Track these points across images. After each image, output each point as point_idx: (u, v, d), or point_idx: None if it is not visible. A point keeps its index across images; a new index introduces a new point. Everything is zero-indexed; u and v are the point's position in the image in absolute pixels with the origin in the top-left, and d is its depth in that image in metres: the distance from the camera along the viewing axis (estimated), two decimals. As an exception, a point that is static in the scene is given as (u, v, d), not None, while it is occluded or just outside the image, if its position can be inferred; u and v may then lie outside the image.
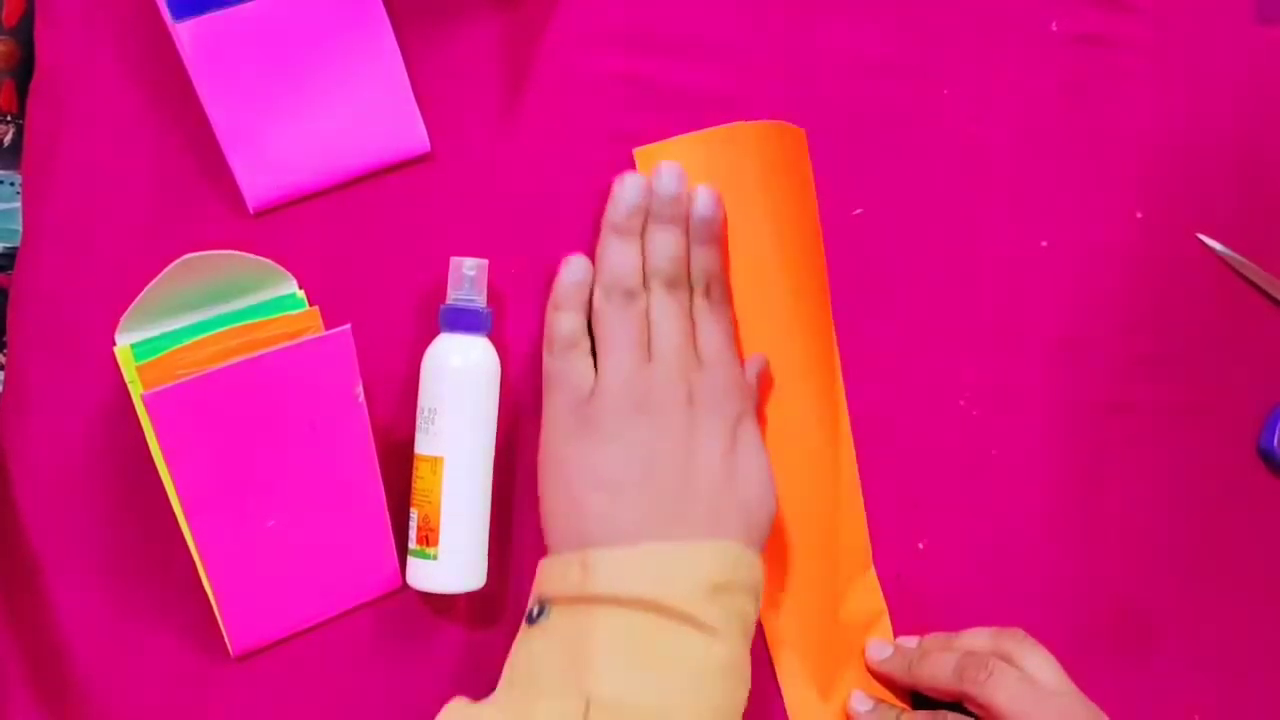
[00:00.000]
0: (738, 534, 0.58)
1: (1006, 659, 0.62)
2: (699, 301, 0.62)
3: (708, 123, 0.65)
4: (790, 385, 0.66)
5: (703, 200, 0.62)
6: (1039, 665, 0.62)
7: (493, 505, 0.61)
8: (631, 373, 0.59)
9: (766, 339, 0.65)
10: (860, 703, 0.64)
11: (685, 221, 0.62)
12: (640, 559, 0.56)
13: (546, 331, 0.62)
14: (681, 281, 0.61)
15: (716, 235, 0.63)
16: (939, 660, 0.63)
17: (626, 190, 0.62)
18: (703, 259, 0.62)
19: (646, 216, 0.62)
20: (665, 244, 0.61)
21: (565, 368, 0.60)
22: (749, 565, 0.57)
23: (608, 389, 0.59)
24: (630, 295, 0.60)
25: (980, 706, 0.61)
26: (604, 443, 0.58)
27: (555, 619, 0.56)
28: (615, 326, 0.60)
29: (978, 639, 0.64)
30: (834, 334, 0.67)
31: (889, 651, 0.65)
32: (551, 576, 0.57)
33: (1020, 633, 0.64)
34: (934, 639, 0.65)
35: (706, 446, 0.59)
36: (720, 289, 0.63)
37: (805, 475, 0.66)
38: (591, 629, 0.54)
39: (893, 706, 0.64)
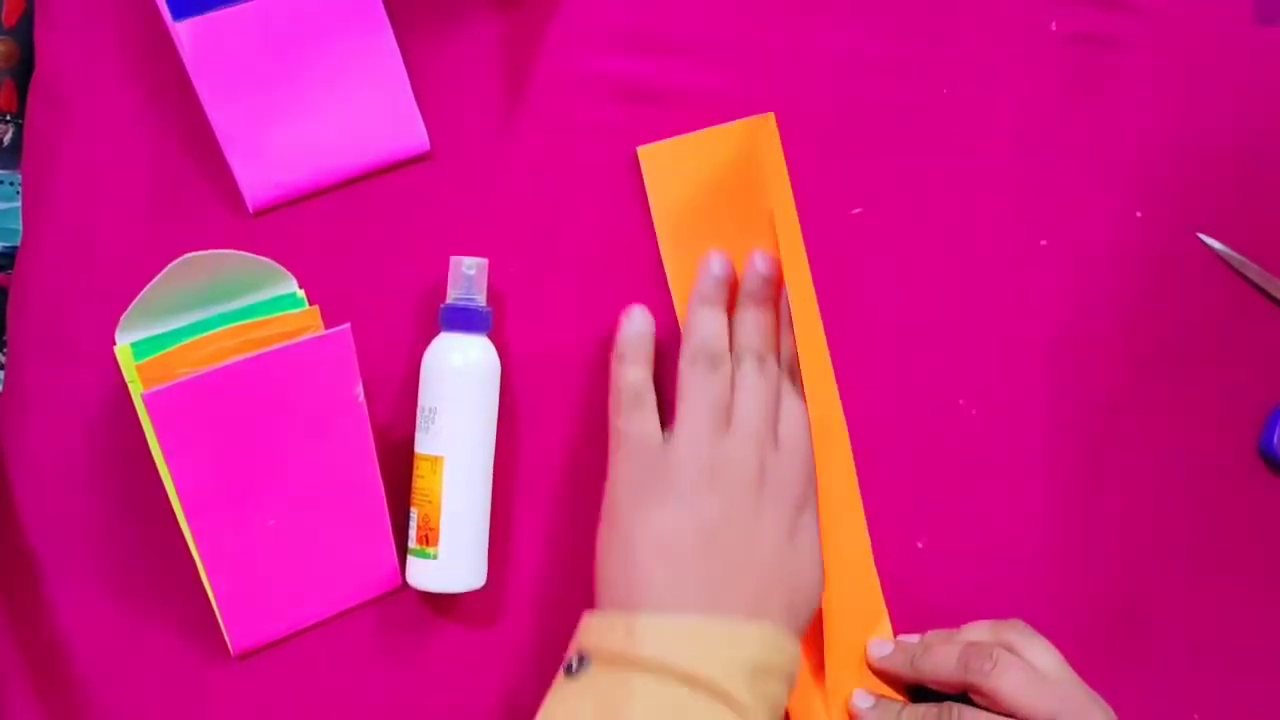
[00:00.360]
0: (782, 618, 0.58)
1: (1009, 649, 0.62)
2: (785, 383, 0.63)
3: (707, 123, 0.65)
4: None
5: (759, 262, 0.64)
6: (1041, 654, 0.62)
7: (493, 505, 0.61)
8: (708, 442, 0.59)
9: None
10: (862, 700, 0.64)
11: (776, 303, 0.64)
12: (686, 631, 0.56)
13: (613, 384, 0.62)
14: (771, 359, 0.62)
15: (776, 296, 0.64)
16: (942, 653, 0.63)
17: (713, 265, 0.63)
18: (789, 345, 0.64)
19: (732, 292, 0.64)
20: (759, 321, 0.63)
21: (633, 428, 0.60)
22: (789, 652, 0.58)
23: (681, 454, 0.59)
24: (715, 362, 0.61)
25: (984, 695, 0.61)
26: (671, 507, 0.58)
27: (595, 676, 0.56)
28: (697, 392, 0.61)
29: (978, 631, 0.64)
30: (823, 330, 0.67)
31: (890, 649, 0.65)
32: (596, 631, 0.57)
33: (1020, 623, 0.64)
34: (935, 635, 0.65)
35: (769, 529, 0.59)
36: (792, 363, 0.64)
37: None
38: (629, 694, 0.54)
39: (894, 701, 0.64)
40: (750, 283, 0.64)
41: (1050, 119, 0.70)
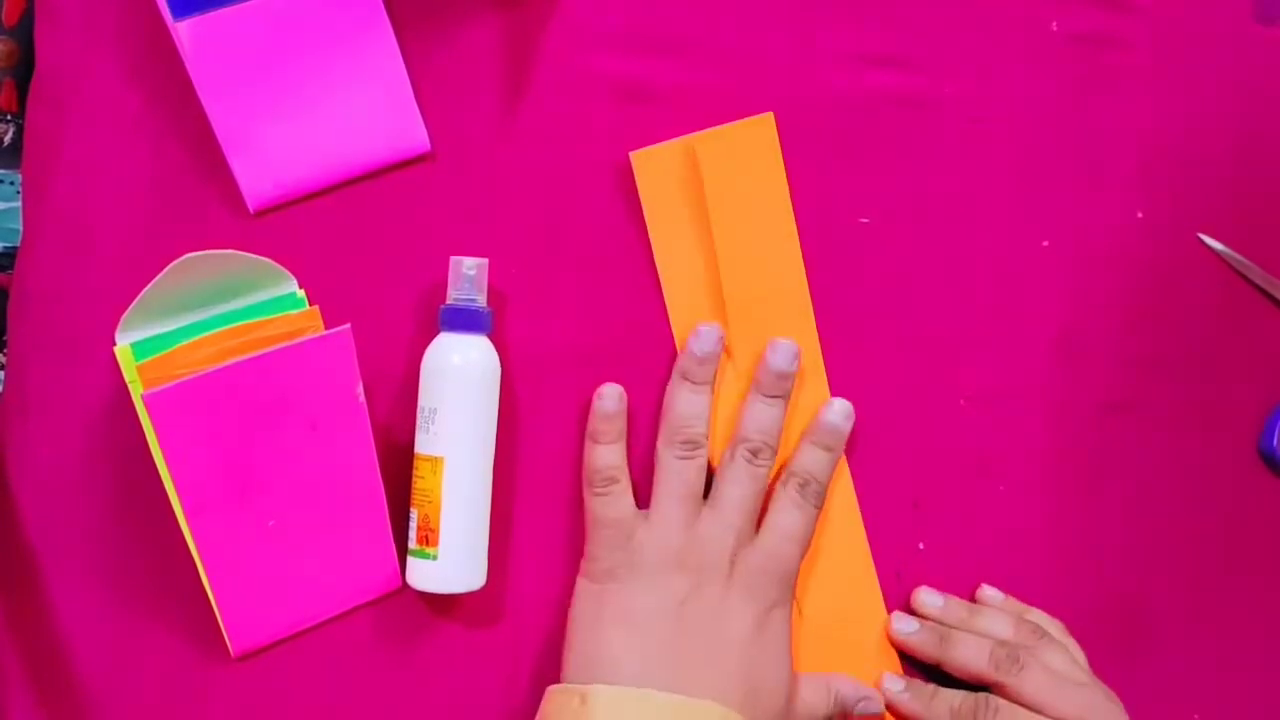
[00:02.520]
0: (738, 705, 0.58)
1: (1033, 647, 0.63)
2: (791, 491, 0.63)
3: (709, 123, 0.65)
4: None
5: (838, 410, 0.64)
6: (1063, 657, 0.63)
7: (493, 505, 0.61)
8: (679, 526, 0.60)
9: (768, 337, 0.65)
10: (892, 683, 0.64)
11: (788, 400, 0.64)
12: (637, 702, 0.56)
13: (585, 464, 0.63)
14: (766, 455, 0.62)
15: (838, 446, 0.64)
16: (973, 645, 0.63)
17: (702, 340, 0.63)
18: (816, 460, 0.63)
19: (718, 370, 0.64)
20: (764, 417, 0.63)
21: (607, 511, 0.61)
22: None
23: (652, 538, 0.60)
24: (693, 445, 0.61)
25: (1010, 696, 0.62)
26: (638, 585, 0.59)
27: None
28: (671, 476, 0.61)
29: (1001, 623, 0.64)
30: (816, 331, 0.67)
31: (916, 626, 0.65)
32: (554, 703, 0.58)
33: (1043, 621, 0.65)
34: (955, 606, 0.66)
35: (735, 617, 0.60)
36: (818, 493, 0.63)
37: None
38: None
39: (925, 685, 0.64)
40: (763, 375, 0.64)
41: (1051, 119, 0.70)
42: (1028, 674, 0.61)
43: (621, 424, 0.63)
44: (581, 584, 0.61)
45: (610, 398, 0.63)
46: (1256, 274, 0.71)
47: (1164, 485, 0.70)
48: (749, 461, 0.62)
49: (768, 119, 0.66)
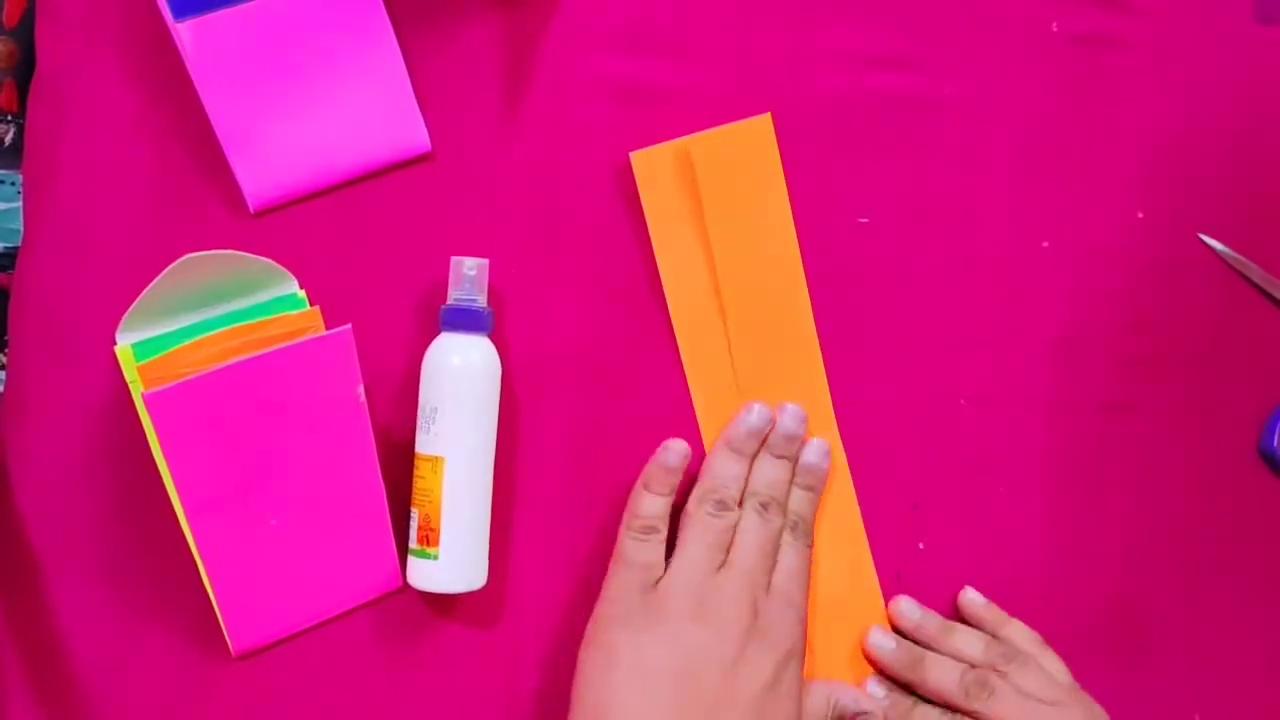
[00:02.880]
0: None
1: (1005, 670, 0.63)
2: (786, 535, 0.63)
3: (709, 123, 0.65)
4: (780, 384, 0.66)
5: (815, 449, 0.65)
6: (1036, 677, 0.64)
7: (493, 505, 0.61)
8: (702, 575, 0.60)
9: (767, 338, 0.66)
10: (875, 689, 0.65)
11: (795, 460, 0.65)
12: None
13: (629, 507, 0.62)
14: (775, 509, 0.63)
15: (819, 484, 0.65)
16: (944, 670, 0.64)
17: (753, 417, 0.64)
18: (802, 501, 0.64)
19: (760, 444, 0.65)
20: (772, 473, 0.64)
21: (638, 555, 0.61)
22: None
23: (675, 584, 0.60)
24: (723, 505, 0.62)
25: (977, 717, 0.63)
26: (655, 634, 0.58)
27: None
28: (699, 529, 0.61)
29: (974, 642, 0.65)
30: (815, 332, 0.67)
31: (893, 645, 0.65)
32: None
33: (1019, 634, 0.65)
34: (930, 623, 0.66)
35: (751, 672, 0.59)
36: (806, 532, 0.64)
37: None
38: None
39: (906, 698, 0.64)
40: (773, 436, 0.64)
41: (1051, 119, 0.70)
42: (998, 700, 0.62)
43: (675, 480, 0.63)
44: (593, 630, 0.60)
45: (673, 452, 0.63)
46: (1256, 274, 0.71)
47: (1164, 485, 0.70)
48: (759, 514, 0.62)
49: (765, 120, 0.66)
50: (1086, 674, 0.66)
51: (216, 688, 0.61)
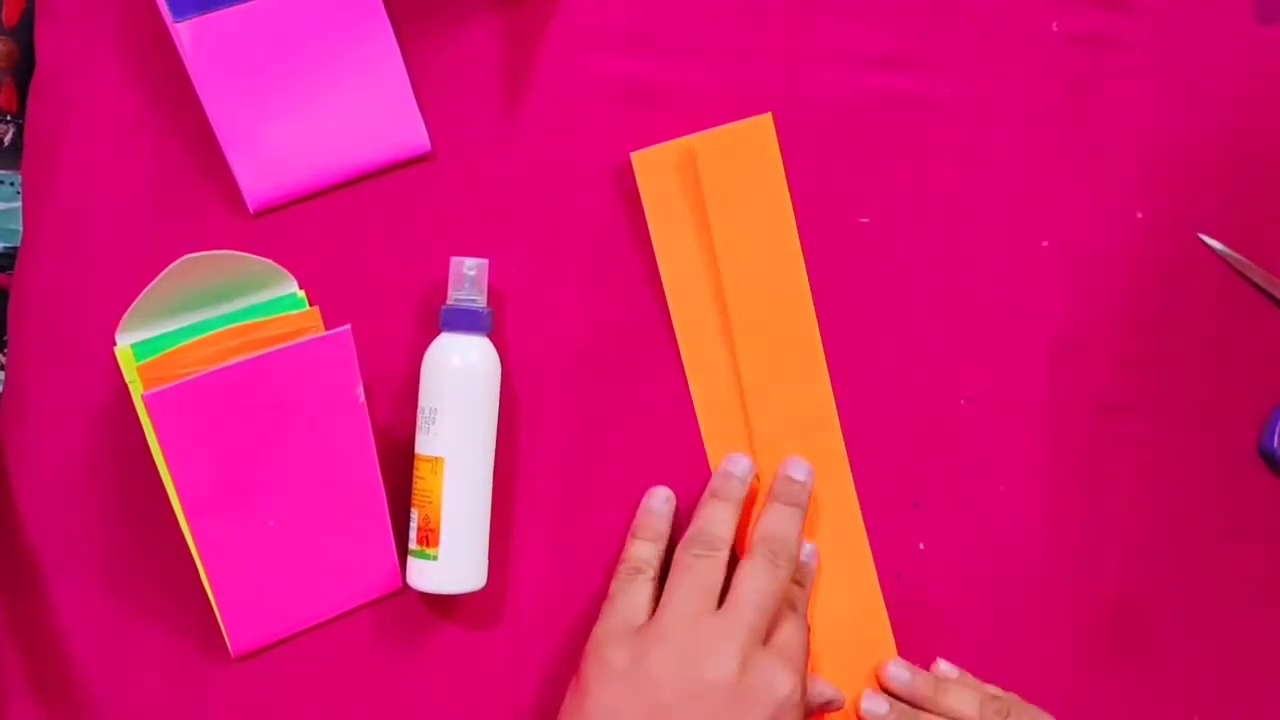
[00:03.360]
0: None
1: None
2: (784, 609, 0.60)
3: (709, 123, 0.65)
4: (783, 384, 0.66)
5: (808, 549, 0.64)
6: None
7: (493, 506, 0.61)
8: (690, 618, 0.57)
9: (765, 339, 0.66)
10: (875, 705, 0.64)
11: (805, 510, 0.64)
12: None
13: (622, 555, 0.63)
14: (786, 560, 0.60)
15: (809, 582, 0.64)
16: (962, 694, 0.64)
17: (737, 466, 0.64)
18: (795, 592, 0.62)
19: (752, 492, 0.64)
20: (784, 521, 0.62)
21: (623, 597, 0.60)
22: None
23: (661, 628, 0.57)
24: (711, 547, 0.60)
25: None
26: (628, 681, 0.56)
27: None
28: (686, 573, 0.59)
29: (965, 702, 0.64)
30: (818, 330, 0.67)
31: (887, 708, 0.64)
32: None
33: (1003, 695, 0.65)
34: (921, 683, 0.65)
35: None
36: (804, 614, 0.62)
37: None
38: None
39: (909, 709, 0.64)
40: (781, 485, 0.64)
41: (1051, 119, 0.70)
42: None
43: (665, 526, 0.63)
44: (581, 669, 0.58)
45: (658, 500, 0.63)
46: (1256, 274, 0.71)
47: (1164, 485, 0.70)
48: (770, 562, 0.60)
49: (766, 120, 0.66)
50: (1086, 674, 0.66)
51: (216, 688, 0.61)
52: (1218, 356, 0.71)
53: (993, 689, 0.66)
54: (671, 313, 0.65)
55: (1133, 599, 0.69)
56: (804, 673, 0.59)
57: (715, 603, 0.58)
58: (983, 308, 0.69)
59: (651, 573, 0.61)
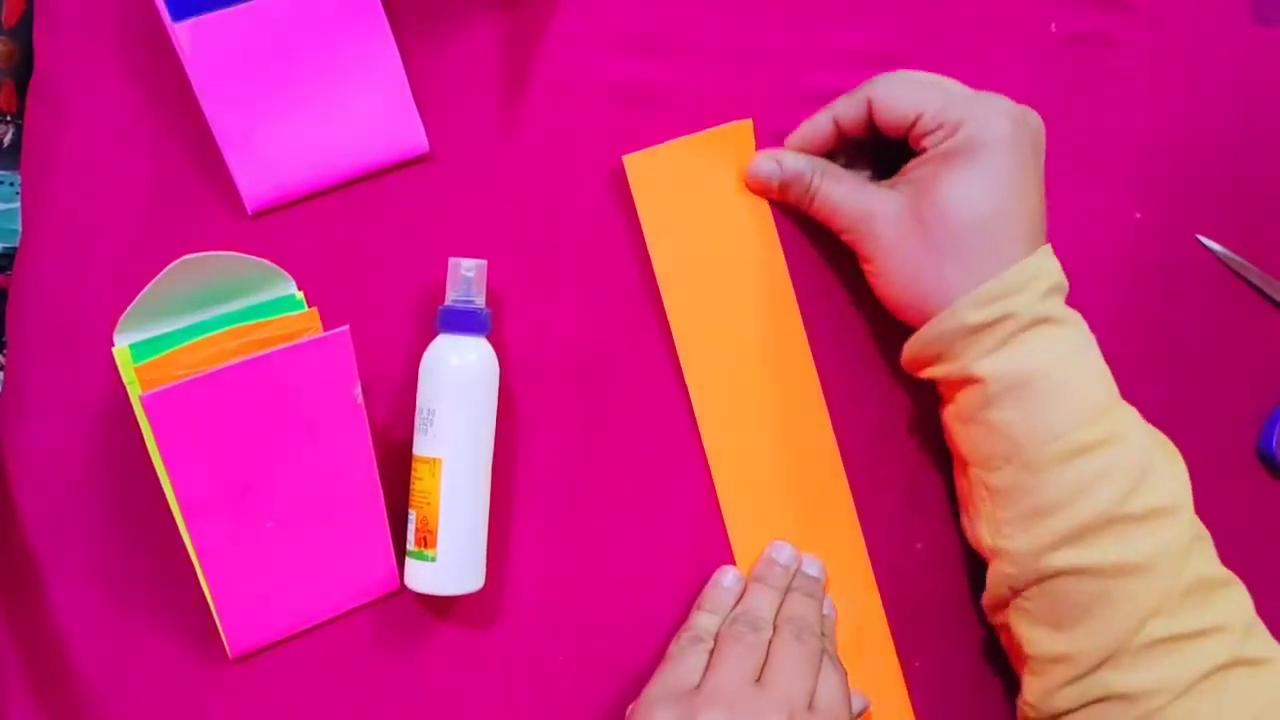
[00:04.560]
0: None
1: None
2: (825, 660, 0.61)
3: (708, 124, 0.65)
4: (773, 384, 0.66)
5: (828, 602, 0.66)
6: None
7: (491, 507, 0.61)
8: (738, 684, 0.58)
9: (759, 340, 0.66)
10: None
11: (821, 597, 0.65)
12: None
13: (686, 622, 0.64)
14: (810, 635, 0.61)
15: (831, 630, 0.66)
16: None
17: (780, 554, 0.65)
18: (827, 639, 0.64)
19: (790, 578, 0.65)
20: (805, 606, 0.63)
21: (682, 660, 0.60)
22: None
23: (711, 693, 0.58)
24: (754, 628, 0.61)
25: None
26: None
27: None
28: (729, 649, 0.60)
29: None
30: (804, 332, 0.67)
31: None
32: None
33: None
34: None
35: None
36: (837, 659, 0.62)
37: (791, 476, 0.67)
38: None
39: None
40: (764, 568, 0.65)
41: (1050, 119, 0.69)
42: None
43: (730, 601, 0.64)
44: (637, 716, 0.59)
45: (730, 578, 0.65)
46: (1255, 274, 0.71)
47: (1163, 486, 0.70)
48: (796, 638, 0.60)
49: (746, 125, 0.66)
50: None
51: (214, 689, 0.61)
52: (1216, 357, 0.71)
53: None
54: (668, 314, 0.65)
55: (1131, 600, 0.69)
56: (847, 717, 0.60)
57: (758, 676, 0.59)
58: (982, 308, 0.69)
59: (711, 644, 0.61)
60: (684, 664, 0.60)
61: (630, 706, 0.60)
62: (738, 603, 0.64)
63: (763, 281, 0.66)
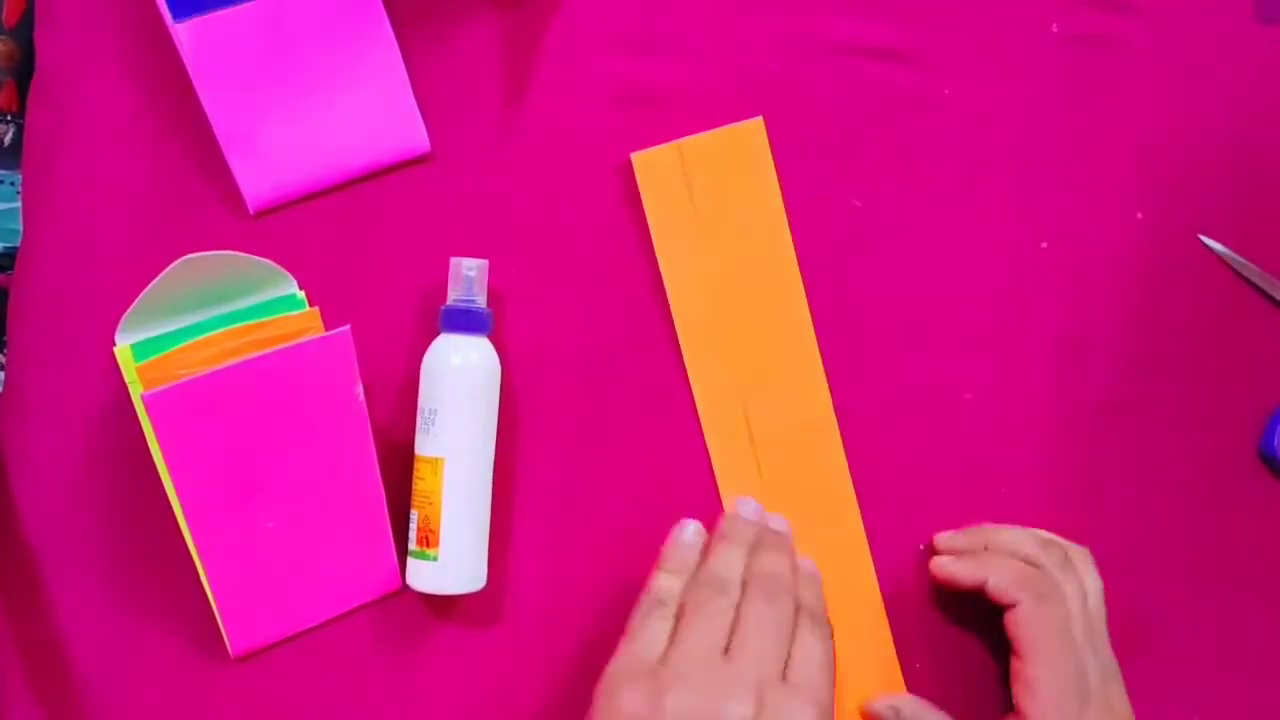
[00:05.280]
0: None
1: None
2: (804, 620, 0.59)
3: (709, 124, 0.65)
4: (778, 385, 0.66)
5: (808, 564, 0.64)
6: (1079, 592, 0.63)
7: (493, 506, 0.61)
8: (704, 659, 0.55)
9: (767, 339, 0.66)
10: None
11: (791, 556, 0.62)
12: None
13: (646, 585, 0.60)
14: (784, 595, 0.59)
15: (818, 588, 0.63)
16: (1016, 534, 0.65)
17: (744, 507, 0.64)
18: (810, 595, 0.61)
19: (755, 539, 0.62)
20: (774, 560, 0.60)
21: (644, 629, 0.57)
22: None
23: (677, 669, 0.55)
24: (722, 588, 0.58)
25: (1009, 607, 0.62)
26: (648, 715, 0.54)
27: None
28: (694, 616, 0.57)
29: (1023, 541, 0.64)
30: (814, 332, 0.67)
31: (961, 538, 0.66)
32: None
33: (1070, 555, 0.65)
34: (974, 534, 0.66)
35: None
36: (824, 621, 0.60)
37: (795, 477, 0.66)
38: None
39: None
40: (767, 535, 0.62)
41: (1051, 120, 0.70)
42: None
43: (691, 557, 0.61)
44: (596, 693, 0.56)
45: (689, 531, 0.63)
46: (1256, 274, 0.71)
47: (1164, 485, 0.70)
48: (766, 601, 0.58)
49: (758, 124, 0.66)
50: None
51: (216, 689, 0.61)
52: (1217, 357, 0.71)
53: (1044, 534, 0.66)
54: (673, 313, 0.65)
55: (1133, 600, 0.69)
56: (828, 694, 0.57)
57: (726, 643, 0.57)
58: (983, 308, 0.69)
59: (674, 606, 0.58)
60: (646, 633, 0.57)
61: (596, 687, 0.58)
62: (703, 561, 0.61)
63: (773, 282, 0.66)
